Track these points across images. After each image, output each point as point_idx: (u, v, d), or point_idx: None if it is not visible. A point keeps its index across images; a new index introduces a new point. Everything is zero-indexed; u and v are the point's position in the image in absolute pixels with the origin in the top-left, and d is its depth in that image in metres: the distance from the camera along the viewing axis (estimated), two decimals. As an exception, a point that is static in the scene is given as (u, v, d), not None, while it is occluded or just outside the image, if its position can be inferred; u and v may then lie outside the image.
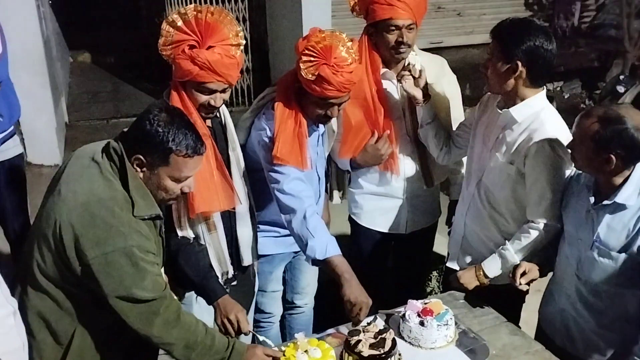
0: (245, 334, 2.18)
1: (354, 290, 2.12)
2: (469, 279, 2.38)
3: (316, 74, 2.16)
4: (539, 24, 2.24)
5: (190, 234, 2.21)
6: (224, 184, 2.21)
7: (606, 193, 2.02)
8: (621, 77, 5.35)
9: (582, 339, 2.18)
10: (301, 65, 2.18)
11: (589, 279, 2.09)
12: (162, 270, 2.01)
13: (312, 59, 2.16)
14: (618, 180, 1.98)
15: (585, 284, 2.11)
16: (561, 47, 6.87)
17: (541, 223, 2.25)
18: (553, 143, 2.18)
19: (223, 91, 2.12)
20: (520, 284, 2.19)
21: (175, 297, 1.93)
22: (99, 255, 1.75)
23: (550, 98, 6.10)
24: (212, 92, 2.09)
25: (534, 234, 2.26)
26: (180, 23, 2.03)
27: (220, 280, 2.28)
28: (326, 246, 2.17)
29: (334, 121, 2.46)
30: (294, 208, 2.24)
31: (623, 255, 1.99)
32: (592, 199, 2.06)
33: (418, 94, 2.49)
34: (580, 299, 2.14)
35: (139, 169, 1.83)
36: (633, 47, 6.13)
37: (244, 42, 2.11)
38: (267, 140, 2.29)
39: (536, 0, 6.91)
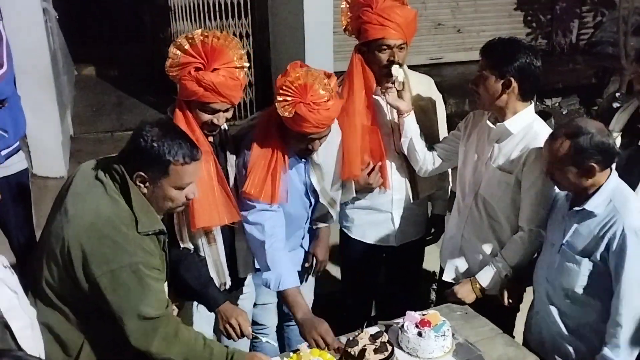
0: (248, 337, 2.23)
1: (307, 327, 2.20)
2: (466, 293, 2.44)
3: (293, 112, 2.18)
4: (527, 43, 2.36)
5: (190, 245, 2.27)
6: (225, 198, 2.26)
7: (580, 201, 2.11)
8: (617, 94, 5.39)
9: (552, 343, 2.25)
10: (277, 103, 2.20)
11: (556, 282, 2.18)
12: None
13: (287, 98, 2.18)
14: (591, 189, 2.07)
15: (554, 288, 2.20)
16: (559, 64, 6.96)
17: (527, 228, 2.35)
18: None
19: (226, 111, 2.19)
20: (508, 302, 2.34)
21: (174, 315, 1.99)
22: (106, 272, 1.82)
23: (548, 114, 6.14)
24: (215, 111, 2.17)
25: (521, 239, 2.37)
26: (187, 46, 2.11)
27: None
28: (280, 279, 2.26)
29: (320, 156, 2.45)
30: (256, 238, 2.32)
31: (586, 261, 2.07)
32: (567, 206, 2.15)
33: (402, 105, 2.55)
34: (550, 304, 2.23)
35: (142, 185, 1.89)
36: (630, 65, 6.18)
37: (247, 64, 2.18)
38: (243, 169, 2.34)
39: (535, 18, 6.98)
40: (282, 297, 2.33)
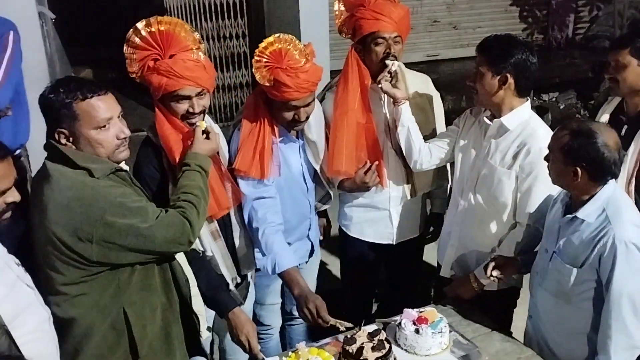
0: (256, 355, 2.21)
1: (302, 301, 2.23)
2: (464, 289, 2.45)
3: (272, 79, 2.23)
4: (522, 39, 2.37)
5: (199, 246, 2.27)
6: (220, 187, 2.28)
7: (575, 208, 2.07)
8: (613, 88, 5.41)
9: (546, 348, 2.24)
10: (254, 71, 2.24)
11: (548, 289, 2.16)
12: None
13: (262, 63, 2.22)
14: (586, 196, 2.03)
15: (546, 294, 2.17)
16: (556, 58, 6.97)
17: (524, 224, 2.37)
18: None
19: (199, 96, 2.16)
20: (490, 275, 2.30)
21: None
22: (97, 225, 1.80)
23: (545, 109, 6.11)
24: (187, 98, 2.14)
25: (519, 234, 2.38)
26: (138, 41, 2.10)
27: (231, 286, 2.35)
28: (275, 261, 2.30)
29: (314, 133, 2.51)
30: (253, 226, 2.37)
31: (576, 270, 2.04)
32: (562, 213, 2.12)
33: (397, 93, 2.53)
34: (543, 310, 2.21)
35: (66, 142, 1.86)
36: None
37: (203, 44, 2.18)
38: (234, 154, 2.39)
39: (530, 13, 7.00)
40: (281, 278, 2.36)
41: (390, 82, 2.52)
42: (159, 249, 1.91)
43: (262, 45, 2.25)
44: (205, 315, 2.22)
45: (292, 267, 2.32)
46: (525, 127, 2.35)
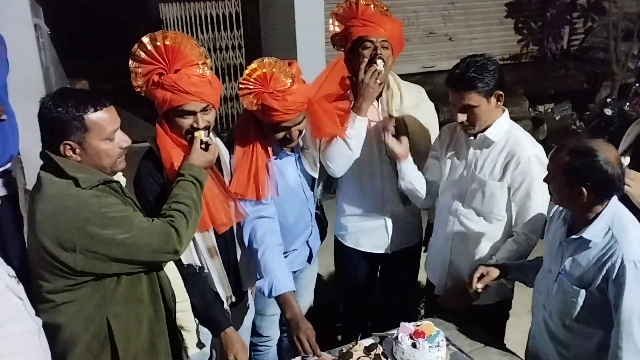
0: None
1: (293, 327, 2.21)
2: (459, 300, 2.43)
3: (259, 103, 2.21)
4: (478, 56, 2.33)
5: (197, 261, 2.26)
6: (222, 202, 2.27)
7: (579, 227, 2.03)
8: (608, 100, 5.42)
9: None
10: (241, 99, 2.23)
11: (553, 310, 2.12)
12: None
13: (249, 89, 2.21)
14: (590, 215, 1.99)
15: (550, 316, 2.14)
16: (551, 70, 7.00)
17: (521, 232, 2.37)
18: (539, 158, 2.30)
19: (204, 112, 2.14)
20: (475, 288, 2.29)
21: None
22: (80, 234, 1.80)
23: (541, 120, 6.13)
24: (191, 113, 2.12)
25: (516, 242, 2.38)
26: (143, 55, 2.09)
27: (225, 305, 2.33)
28: (272, 285, 2.28)
29: (309, 144, 2.50)
30: (252, 246, 2.36)
31: (584, 292, 1.99)
32: (564, 232, 2.09)
33: (399, 149, 2.52)
34: (547, 331, 2.17)
35: (73, 153, 1.87)
36: (620, 70, 6.26)
37: (209, 60, 2.17)
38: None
39: (525, 25, 7.03)
40: (276, 299, 2.34)
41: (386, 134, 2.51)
42: (144, 258, 1.91)
43: (246, 72, 2.23)
44: (193, 332, 2.21)
45: (288, 292, 2.30)
46: (509, 138, 2.37)
